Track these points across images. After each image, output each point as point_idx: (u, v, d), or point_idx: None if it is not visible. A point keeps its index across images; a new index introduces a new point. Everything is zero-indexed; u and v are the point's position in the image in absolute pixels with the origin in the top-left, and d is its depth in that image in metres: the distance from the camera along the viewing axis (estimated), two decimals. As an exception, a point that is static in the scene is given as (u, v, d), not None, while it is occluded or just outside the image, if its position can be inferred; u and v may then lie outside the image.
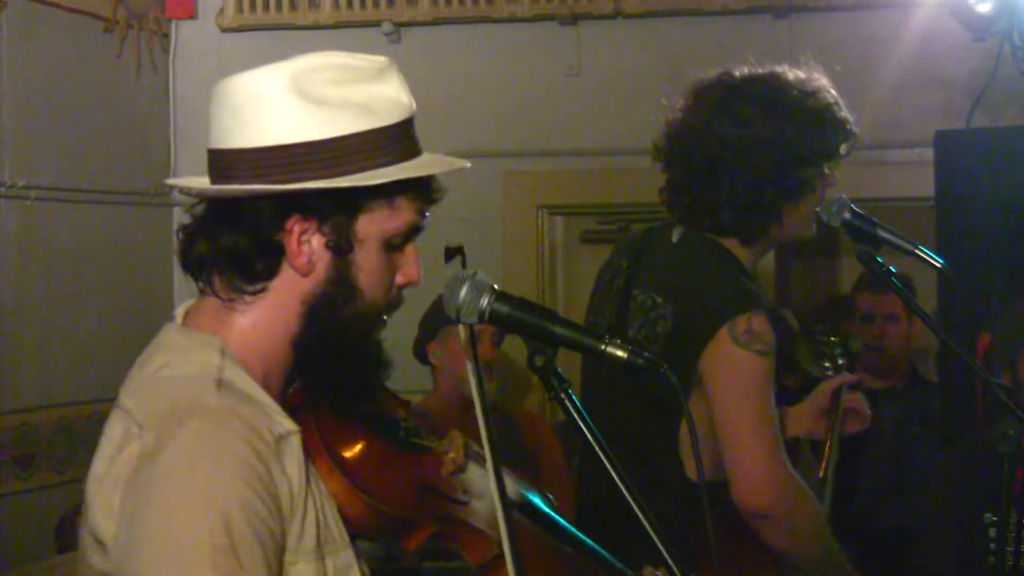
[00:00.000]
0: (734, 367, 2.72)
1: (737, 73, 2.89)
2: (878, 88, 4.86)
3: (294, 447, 1.65)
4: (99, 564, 1.65)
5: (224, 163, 1.72)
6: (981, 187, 4.19)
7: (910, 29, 5.02)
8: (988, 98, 4.93)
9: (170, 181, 1.84)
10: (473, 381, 1.85)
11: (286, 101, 1.69)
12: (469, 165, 1.80)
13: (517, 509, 1.92)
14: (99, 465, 1.66)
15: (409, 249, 1.79)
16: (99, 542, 1.64)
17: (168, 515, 1.57)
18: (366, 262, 1.73)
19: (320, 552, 1.67)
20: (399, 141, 1.73)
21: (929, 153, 4.46)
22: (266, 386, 1.72)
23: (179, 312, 1.81)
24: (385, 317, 1.80)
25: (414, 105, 1.77)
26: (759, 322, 2.74)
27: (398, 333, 1.97)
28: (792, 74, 2.87)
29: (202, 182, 1.77)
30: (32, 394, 4.74)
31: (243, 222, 1.71)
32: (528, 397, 5.18)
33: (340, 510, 1.73)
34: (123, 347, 5.08)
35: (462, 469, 1.89)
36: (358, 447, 1.80)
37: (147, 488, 1.58)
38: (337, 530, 1.71)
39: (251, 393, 1.67)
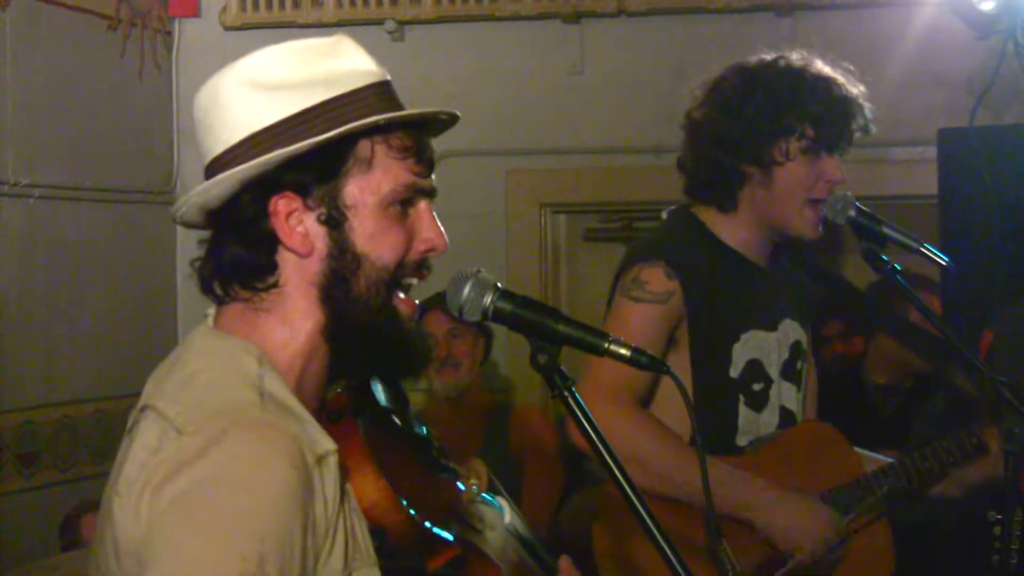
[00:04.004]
0: (612, 314, 2.86)
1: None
2: (881, 86, 4.79)
3: (332, 467, 1.61)
4: (115, 569, 1.60)
5: (207, 177, 1.71)
6: (984, 185, 4.18)
7: (913, 27, 5.02)
8: (991, 96, 4.93)
9: (171, 210, 1.79)
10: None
11: (243, 95, 1.68)
12: (440, 110, 1.74)
13: (520, 543, 1.92)
14: (130, 469, 1.60)
15: (423, 213, 1.73)
16: (117, 550, 1.59)
17: (202, 532, 1.51)
18: (364, 228, 1.68)
19: (348, 571, 1.63)
20: (364, 104, 1.69)
21: (932, 151, 4.46)
22: (300, 391, 1.69)
23: (209, 313, 1.76)
24: (416, 301, 1.75)
25: (386, 72, 1.73)
26: (649, 272, 2.83)
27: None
28: (802, 59, 2.90)
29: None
30: (35, 392, 4.75)
31: (232, 225, 1.69)
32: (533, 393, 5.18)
33: (376, 521, 1.69)
34: (126, 345, 5.09)
35: (482, 498, 1.88)
36: (400, 458, 1.77)
37: (185, 498, 1.53)
38: (365, 547, 1.67)
39: (291, 407, 1.63)
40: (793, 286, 3.06)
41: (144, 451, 1.60)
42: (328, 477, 1.60)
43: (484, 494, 1.92)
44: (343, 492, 1.64)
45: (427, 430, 1.92)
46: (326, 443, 1.62)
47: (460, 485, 1.87)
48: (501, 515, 1.91)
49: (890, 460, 3.05)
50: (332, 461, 1.61)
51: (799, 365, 3.04)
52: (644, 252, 2.88)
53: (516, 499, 4.16)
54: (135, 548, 1.56)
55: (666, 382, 2.80)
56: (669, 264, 2.83)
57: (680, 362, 2.85)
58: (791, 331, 3.02)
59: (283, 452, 1.56)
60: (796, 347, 3.03)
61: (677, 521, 2.59)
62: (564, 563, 1.93)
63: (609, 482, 2.60)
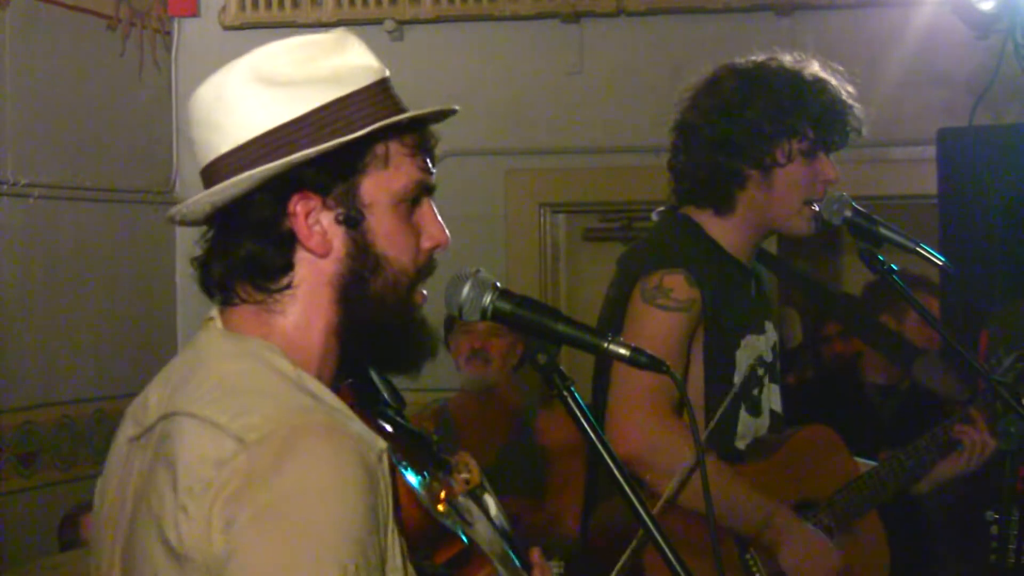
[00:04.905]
0: (635, 321, 2.80)
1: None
2: (881, 86, 4.86)
3: (386, 464, 1.61)
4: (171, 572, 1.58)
5: (212, 175, 1.68)
6: (983, 185, 4.19)
7: (913, 27, 5.02)
8: (991, 96, 4.94)
9: (171, 212, 1.77)
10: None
11: (252, 93, 1.66)
12: (449, 107, 1.74)
13: (503, 536, 1.93)
14: (189, 482, 1.55)
15: (427, 210, 1.73)
16: (175, 553, 1.56)
17: (296, 546, 1.50)
18: (381, 227, 1.68)
19: (405, 569, 1.63)
20: (376, 102, 1.68)
21: (932, 151, 4.46)
22: None
23: (212, 315, 1.73)
24: (424, 291, 1.75)
25: (385, 68, 1.73)
26: (672, 279, 2.80)
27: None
28: (795, 60, 2.90)
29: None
30: (35, 392, 4.75)
31: (247, 225, 1.67)
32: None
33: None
34: (126, 345, 5.10)
35: (475, 491, 1.89)
36: (405, 454, 1.78)
37: (271, 511, 1.51)
38: (403, 541, 1.66)
39: (339, 406, 1.63)
40: (763, 284, 3.07)
41: (203, 463, 1.56)
42: (385, 473, 1.60)
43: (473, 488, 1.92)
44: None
45: (425, 425, 1.92)
46: (379, 441, 1.62)
47: (452, 480, 1.87)
48: (487, 509, 1.92)
49: (876, 462, 3.06)
50: (385, 458, 1.61)
51: (778, 366, 3.06)
52: (662, 259, 2.84)
53: (542, 499, 4.20)
54: (206, 561, 1.53)
55: (690, 387, 2.81)
56: (689, 271, 2.81)
57: (696, 370, 2.85)
58: (771, 332, 3.03)
59: (355, 455, 1.55)
60: (776, 348, 3.05)
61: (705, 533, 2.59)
62: (535, 555, 1.94)
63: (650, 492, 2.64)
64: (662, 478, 2.68)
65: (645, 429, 2.71)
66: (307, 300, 1.68)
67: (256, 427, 1.55)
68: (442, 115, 1.76)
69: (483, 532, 1.83)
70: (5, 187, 4.62)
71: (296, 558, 1.50)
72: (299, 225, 1.66)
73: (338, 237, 1.68)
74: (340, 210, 1.67)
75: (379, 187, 1.68)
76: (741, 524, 2.78)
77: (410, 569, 1.65)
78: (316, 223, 1.67)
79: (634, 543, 2.28)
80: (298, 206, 1.66)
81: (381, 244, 1.68)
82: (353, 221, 1.67)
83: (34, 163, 4.74)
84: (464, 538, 1.75)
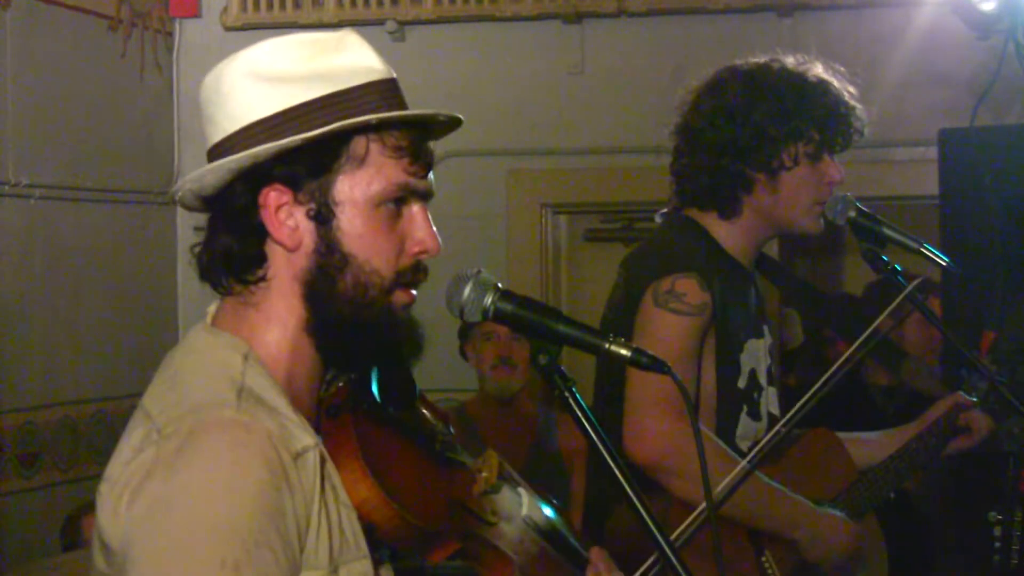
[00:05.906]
0: (648, 325, 2.79)
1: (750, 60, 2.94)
2: (882, 86, 4.86)
3: (309, 463, 1.61)
4: (103, 567, 1.62)
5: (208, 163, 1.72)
6: (985, 185, 4.19)
7: (914, 27, 5.03)
8: (992, 96, 4.94)
9: (171, 190, 1.79)
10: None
11: (243, 86, 1.68)
12: (431, 112, 1.72)
13: (541, 535, 1.91)
14: (114, 467, 1.61)
15: (415, 214, 1.72)
16: (104, 545, 1.61)
17: (178, 541, 1.52)
18: (352, 227, 1.68)
19: (333, 565, 1.62)
20: (368, 101, 1.68)
21: (933, 151, 4.46)
22: (290, 387, 1.68)
23: (209, 311, 1.76)
24: (414, 292, 1.74)
25: (391, 70, 1.73)
26: (684, 284, 2.79)
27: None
28: (797, 62, 2.89)
29: None
30: (36, 393, 4.75)
31: (224, 214, 1.70)
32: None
33: (367, 517, 1.68)
34: (127, 346, 5.10)
35: (495, 490, 1.88)
36: (394, 454, 1.76)
37: (161, 505, 1.54)
38: (354, 540, 1.66)
39: (271, 402, 1.63)
40: (760, 287, 3.06)
41: (128, 449, 1.61)
42: (305, 472, 1.60)
43: (504, 485, 1.90)
44: (325, 487, 1.63)
45: (438, 423, 1.90)
46: (304, 439, 1.61)
47: (470, 477, 1.86)
48: (519, 506, 1.90)
49: (883, 459, 3.07)
50: (311, 456, 1.61)
51: (774, 369, 3.06)
52: (673, 263, 2.83)
53: (567, 504, 4.19)
54: (116, 547, 1.58)
55: (702, 391, 2.81)
56: (700, 275, 2.81)
57: (707, 374, 2.84)
58: (769, 335, 3.03)
59: (256, 453, 1.55)
60: (773, 351, 3.05)
61: (723, 533, 2.59)
62: (595, 554, 1.92)
63: (662, 497, 2.63)
64: (682, 480, 2.68)
65: (664, 432, 2.70)
66: (278, 295, 1.70)
67: (172, 420, 1.58)
68: (437, 122, 1.74)
69: (507, 531, 1.82)
70: (5, 187, 4.62)
71: (176, 552, 1.52)
72: (268, 217, 1.67)
73: (308, 233, 1.68)
74: (311, 205, 1.68)
75: (353, 187, 1.68)
76: (772, 524, 2.81)
77: (353, 565, 1.64)
78: (289, 217, 1.68)
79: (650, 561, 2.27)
80: (269, 198, 1.67)
81: (349, 244, 1.68)
82: (322, 218, 1.68)
83: (35, 163, 4.74)
84: (447, 535, 1.73)
